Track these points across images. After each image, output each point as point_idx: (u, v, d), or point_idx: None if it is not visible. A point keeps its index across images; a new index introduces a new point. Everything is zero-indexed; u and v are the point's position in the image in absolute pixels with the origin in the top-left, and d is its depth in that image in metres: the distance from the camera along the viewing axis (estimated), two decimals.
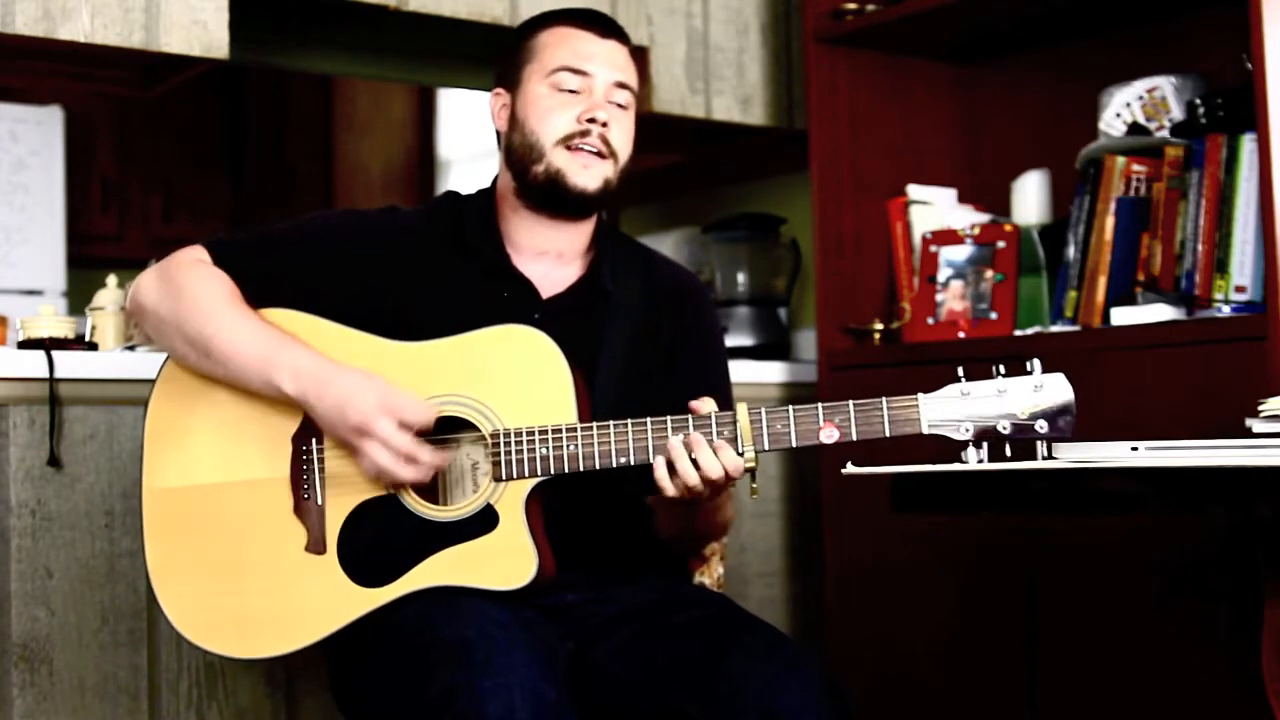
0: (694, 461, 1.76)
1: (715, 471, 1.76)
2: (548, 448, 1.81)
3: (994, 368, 1.73)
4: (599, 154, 1.96)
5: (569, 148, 1.95)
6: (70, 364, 2.29)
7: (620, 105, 1.99)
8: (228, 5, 2.71)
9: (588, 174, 1.95)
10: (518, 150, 1.99)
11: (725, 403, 1.86)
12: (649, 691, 1.81)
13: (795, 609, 3.14)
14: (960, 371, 1.74)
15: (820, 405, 1.77)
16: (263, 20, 3.16)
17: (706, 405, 1.80)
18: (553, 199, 1.97)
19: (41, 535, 2.28)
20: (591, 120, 1.95)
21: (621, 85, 2.00)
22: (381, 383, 1.81)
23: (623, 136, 1.99)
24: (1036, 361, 1.72)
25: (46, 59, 2.83)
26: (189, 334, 1.89)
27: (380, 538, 1.83)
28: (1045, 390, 1.71)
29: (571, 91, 1.97)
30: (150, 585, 1.90)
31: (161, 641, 2.35)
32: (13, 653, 2.24)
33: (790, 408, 1.77)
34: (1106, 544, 2.45)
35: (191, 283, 1.91)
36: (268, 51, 3.41)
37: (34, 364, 2.27)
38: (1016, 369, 1.73)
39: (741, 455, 1.77)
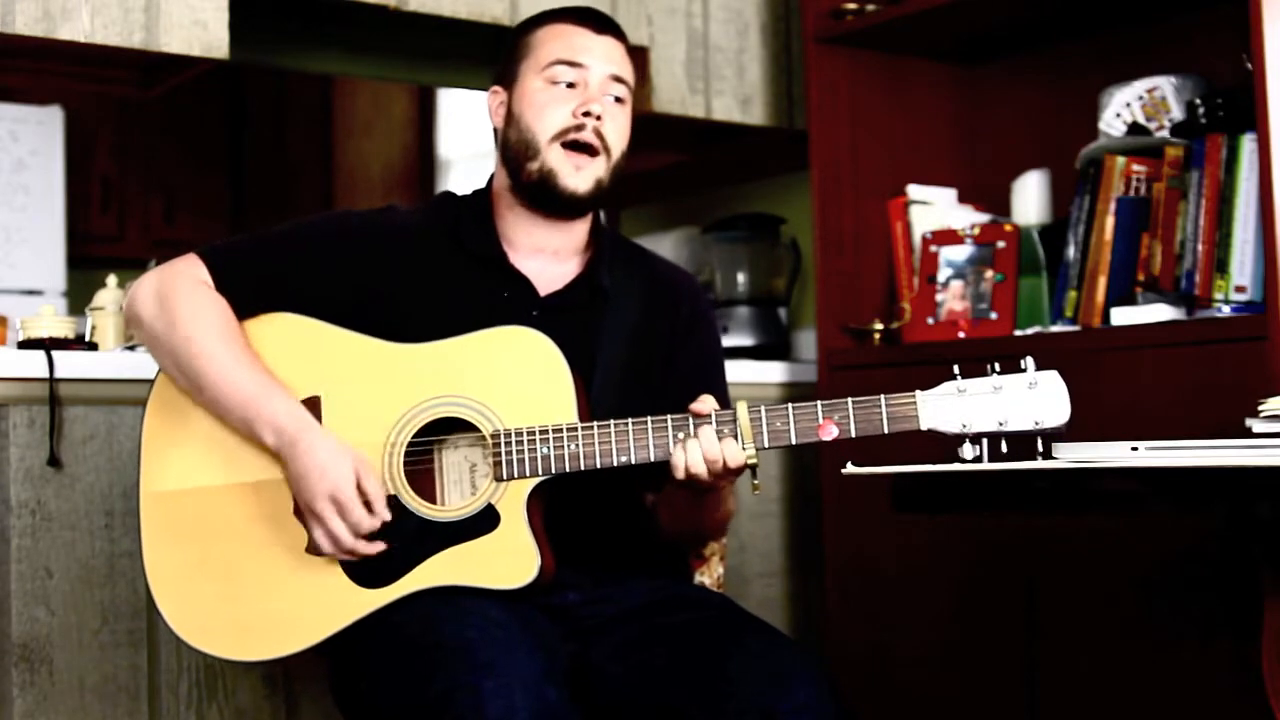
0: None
1: (716, 462, 1.77)
2: (549, 447, 1.81)
3: (989, 366, 1.74)
4: (592, 151, 1.96)
5: (564, 146, 1.95)
6: (70, 364, 2.29)
7: (616, 99, 1.99)
8: (228, 5, 2.71)
9: (579, 176, 1.96)
10: (514, 146, 1.99)
11: (723, 401, 1.87)
12: (649, 692, 1.81)
13: (795, 609, 3.14)
14: (956, 370, 1.74)
15: (819, 403, 1.77)
16: (263, 20, 3.16)
17: (707, 405, 1.81)
18: (544, 198, 1.97)
19: (41, 535, 2.28)
20: (587, 114, 1.95)
21: (617, 79, 2.00)
22: (346, 469, 1.80)
23: (617, 132, 1.99)
24: (1030, 359, 1.72)
25: (46, 59, 2.83)
26: (181, 365, 1.89)
27: (381, 538, 1.83)
28: (1040, 387, 1.71)
29: (568, 85, 1.97)
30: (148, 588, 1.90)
31: (161, 642, 2.35)
32: (13, 653, 2.24)
33: (790, 405, 1.78)
34: (1106, 544, 2.45)
35: (187, 312, 1.89)
36: (268, 51, 3.42)
37: (34, 364, 2.26)
38: (1011, 367, 1.73)
39: (743, 452, 1.77)
